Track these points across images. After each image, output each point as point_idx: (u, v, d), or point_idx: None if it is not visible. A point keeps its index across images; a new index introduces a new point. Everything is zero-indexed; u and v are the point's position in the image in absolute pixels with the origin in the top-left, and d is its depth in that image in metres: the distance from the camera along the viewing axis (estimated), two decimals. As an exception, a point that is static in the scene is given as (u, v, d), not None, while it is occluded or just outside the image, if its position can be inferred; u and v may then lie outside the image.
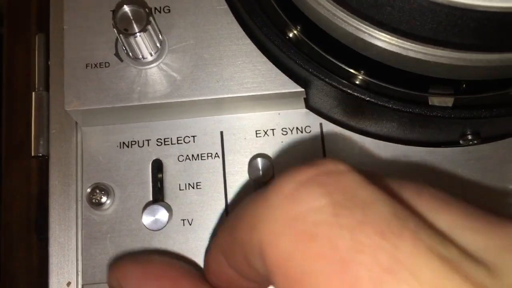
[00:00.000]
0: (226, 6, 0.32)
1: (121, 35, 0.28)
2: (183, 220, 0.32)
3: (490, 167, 0.32)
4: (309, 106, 0.33)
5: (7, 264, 0.35)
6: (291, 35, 0.32)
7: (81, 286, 0.31)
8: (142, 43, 0.29)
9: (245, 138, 0.33)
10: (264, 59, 0.32)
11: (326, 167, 0.18)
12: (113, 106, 0.31)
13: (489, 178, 0.32)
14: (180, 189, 0.32)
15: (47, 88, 0.34)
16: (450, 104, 0.30)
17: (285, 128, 0.33)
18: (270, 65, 0.31)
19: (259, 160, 0.29)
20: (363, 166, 0.32)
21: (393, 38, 0.26)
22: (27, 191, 0.36)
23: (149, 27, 0.28)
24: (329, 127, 0.33)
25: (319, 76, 0.29)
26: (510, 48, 0.25)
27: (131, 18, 0.28)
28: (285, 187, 0.18)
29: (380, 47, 0.27)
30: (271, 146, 0.33)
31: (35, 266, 0.34)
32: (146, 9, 0.28)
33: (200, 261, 0.31)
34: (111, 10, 0.32)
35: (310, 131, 0.33)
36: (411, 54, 0.27)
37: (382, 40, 0.26)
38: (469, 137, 0.31)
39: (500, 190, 0.32)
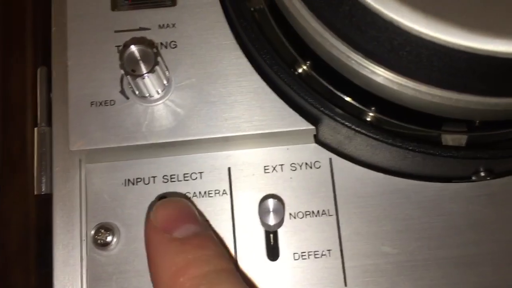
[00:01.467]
0: (234, 41, 0.31)
1: (128, 76, 0.27)
2: (191, 260, 0.31)
3: (502, 202, 0.32)
4: (318, 141, 0.33)
5: None
6: (300, 70, 0.31)
7: (86, 329, 0.30)
8: (150, 83, 0.28)
9: (253, 174, 0.33)
10: (274, 96, 0.31)
11: None
12: (119, 145, 0.30)
13: (502, 213, 0.32)
14: (187, 228, 0.32)
15: (49, 123, 0.33)
16: (463, 143, 0.30)
17: (294, 164, 0.33)
18: (279, 102, 0.31)
19: (270, 202, 0.29)
20: (373, 201, 0.32)
21: (401, 78, 0.26)
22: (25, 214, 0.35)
23: (157, 67, 0.27)
24: (339, 162, 0.33)
25: (330, 115, 0.29)
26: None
27: (139, 58, 0.27)
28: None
29: (393, 90, 0.26)
30: (280, 183, 0.32)
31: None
32: (154, 49, 0.27)
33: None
34: (116, 46, 0.31)
35: (320, 166, 0.33)
36: (424, 96, 0.26)
37: (397, 83, 0.26)
38: (482, 174, 0.31)
39: (512, 226, 0.32)
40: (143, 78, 0.27)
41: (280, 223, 0.30)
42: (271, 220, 0.29)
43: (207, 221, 0.30)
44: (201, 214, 0.30)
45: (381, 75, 0.26)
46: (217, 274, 0.24)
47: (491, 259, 0.31)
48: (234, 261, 0.31)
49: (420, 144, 0.28)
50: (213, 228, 0.31)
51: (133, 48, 0.27)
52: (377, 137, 0.28)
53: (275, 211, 0.29)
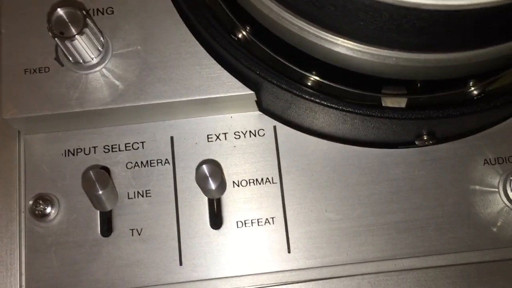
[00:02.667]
0: (172, 7, 0.31)
1: (57, 39, 0.26)
2: (132, 229, 0.31)
3: (447, 168, 0.32)
4: (262, 108, 0.32)
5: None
6: (240, 36, 0.31)
7: (24, 302, 0.30)
8: (81, 46, 0.27)
9: (196, 143, 0.32)
10: (213, 61, 0.30)
11: None
12: (53, 113, 0.29)
13: (446, 179, 0.32)
14: (129, 198, 0.31)
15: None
16: (403, 105, 0.29)
17: (238, 132, 0.32)
18: (218, 67, 0.30)
19: (205, 167, 0.28)
20: (318, 168, 0.32)
21: (339, 39, 0.25)
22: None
23: (87, 29, 0.27)
24: (283, 129, 0.32)
25: (267, 78, 0.28)
26: (458, 48, 0.24)
27: (67, 20, 0.26)
28: None
29: (326, 48, 0.26)
30: (224, 151, 0.32)
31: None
32: (83, 11, 0.27)
33: (149, 272, 0.30)
34: (50, 12, 0.30)
35: (264, 134, 0.32)
36: (358, 55, 0.26)
37: (328, 41, 0.25)
38: (425, 137, 0.30)
39: (459, 189, 0.31)
40: (73, 41, 0.26)
41: (220, 189, 0.29)
42: (210, 185, 0.28)
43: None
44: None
45: (316, 35, 0.26)
46: None
47: (436, 223, 0.31)
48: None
49: (357, 105, 0.28)
50: (157, 198, 0.31)
51: (60, 11, 0.26)
52: (315, 100, 0.28)
53: (212, 175, 0.28)
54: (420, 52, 0.25)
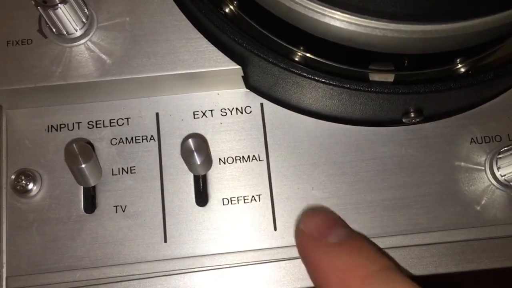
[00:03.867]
0: (158, -20, 0.30)
1: (39, 7, 0.26)
2: (116, 206, 0.30)
3: (433, 146, 0.32)
4: (249, 85, 0.32)
5: None
6: (227, 10, 0.30)
7: (5, 278, 0.29)
8: (64, 16, 0.27)
9: (182, 120, 0.32)
10: (199, 35, 0.30)
11: None
12: (35, 85, 0.29)
13: (432, 157, 0.31)
14: (113, 174, 0.31)
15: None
16: (390, 80, 0.29)
17: (224, 109, 0.32)
18: (204, 41, 0.30)
19: (191, 141, 0.28)
20: (305, 146, 0.32)
21: (326, 9, 0.25)
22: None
23: (71, -1, 0.26)
24: (270, 107, 0.32)
25: (253, 51, 0.28)
26: (444, 19, 0.24)
27: (50, -11, 0.26)
28: None
29: (313, 19, 0.26)
30: (210, 128, 0.32)
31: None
32: (66, -20, 0.26)
33: (133, 249, 0.30)
34: (34, -17, 0.30)
35: (251, 111, 0.32)
36: (345, 26, 0.26)
37: (315, 11, 0.25)
38: (412, 114, 0.30)
39: (445, 168, 0.31)
40: (55, 9, 0.26)
41: (206, 164, 0.29)
42: (195, 159, 0.28)
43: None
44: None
45: (303, 5, 0.26)
46: (386, 272, 0.24)
47: (422, 201, 0.31)
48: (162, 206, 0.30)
49: (344, 79, 0.28)
50: (141, 175, 0.31)
51: (42, -22, 0.26)
52: (302, 73, 0.28)
53: (198, 149, 0.28)
54: (407, 22, 0.25)
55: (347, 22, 0.26)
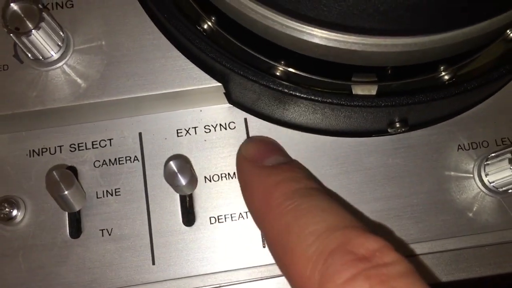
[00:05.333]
0: (135, -1, 0.30)
1: (12, 34, 0.25)
2: (102, 230, 0.30)
3: (420, 155, 0.31)
4: (232, 101, 0.31)
5: None
6: (205, 26, 0.30)
7: (-8, 309, 0.29)
8: (39, 42, 0.26)
9: (165, 139, 0.31)
10: (178, 53, 0.30)
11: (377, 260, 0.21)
12: (13, 112, 0.28)
13: (420, 166, 0.31)
14: (97, 197, 0.30)
15: None
16: (374, 92, 0.29)
17: (208, 125, 0.32)
18: (184, 60, 0.29)
19: (173, 163, 0.27)
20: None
21: (304, 27, 0.25)
22: None
23: (44, 24, 0.26)
24: (254, 121, 0.32)
25: (233, 69, 0.27)
26: (423, 32, 0.24)
27: (22, 15, 0.25)
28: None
29: (291, 37, 0.25)
30: (194, 146, 0.31)
31: None
32: (39, 5, 0.26)
33: (121, 273, 0.29)
34: (8, 8, 0.29)
35: (235, 126, 0.32)
36: (324, 42, 0.25)
37: (293, 28, 0.25)
38: (397, 124, 0.30)
39: (434, 176, 0.31)
40: (29, 36, 0.25)
41: (191, 184, 0.29)
42: (179, 181, 0.28)
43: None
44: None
45: (280, 23, 0.25)
46: (308, 190, 0.25)
47: (411, 211, 0.31)
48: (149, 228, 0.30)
49: (326, 94, 0.27)
50: (126, 196, 0.30)
51: (14, 6, 0.25)
52: (283, 89, 0.27)
53: (181, 170, 0.28)
54: (386, 36, 0.25)
55: (325, 38, 0.25)
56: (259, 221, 0.25)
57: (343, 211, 0.24)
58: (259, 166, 0.27)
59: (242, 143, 0.30)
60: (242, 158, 0.28)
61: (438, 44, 0.25)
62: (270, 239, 0.24)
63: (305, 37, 0.26)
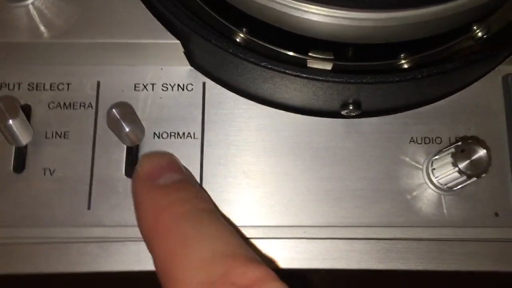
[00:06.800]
0: None
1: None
2: (45, 169, 0.30)
3: (372, 142, 0.31)
4: (193, 63, 0.32)
5: None
6: (173, -15, 0.30)
7: None
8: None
9: (122, 91, 0.32)
10: (143, 7, 0.30)
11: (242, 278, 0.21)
12: (-28, 39, 0.29)
13: (370, 153, 0.31)
14: (46, 137, 0.31)
15: None
16: (328, 68, 0.29)
17: (166, 84, 0.32)
18: (149, 15, 0.30)
19: (115, 111, 0.28)
20: (242, 128, 0.31)
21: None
22: None
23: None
24: (212, 86, 0.32)
25: (191, 26, 0.28)
26: (384, 6, 0.24)
27: None
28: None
29: (252, 1, 0.26)
30: (149, 101, 0.31)
31: None
32: None
33: (57, 213, 0.30)
34: None
35: (192, 89, 0.32)
36: (282, 9, 0.26)
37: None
38: (350, 106, 0.30)
39: (381, 164, 0.31)
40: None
41: (133, 133, 0.29)
42: (123, 128, 0.28)
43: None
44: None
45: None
46: (198, 211, 0.25)
47: (353, 195, 0.30)
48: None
49: (279, 63, 0.27)
50: (74, 140, 0.31)
51: None
52: (238, 53, 0.27)
53: (123, 117, 0.28)
54: (344, 8, 0.25)
55: (286, 5, 0.26)
56: (147, 243, 0.25)
57: (230, 236, 0.23)
58: (152, 186, 0.26)
59: (139, 160, 0.29)
60: (136, 177, 0.27)
61: (395, 23, 0.25)
62: (156, 265, 0.24)
63: (263, 2, 0.26)
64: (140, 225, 0.25)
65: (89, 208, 0.30)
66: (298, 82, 0.28)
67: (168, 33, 0.30)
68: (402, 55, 0.29)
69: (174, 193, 0.25)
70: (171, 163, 0.28)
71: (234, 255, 0.22)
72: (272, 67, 0.27)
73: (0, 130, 0.28)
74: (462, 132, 0.32)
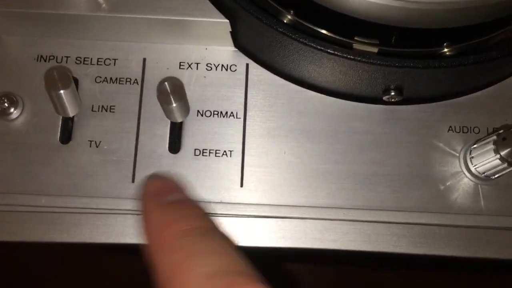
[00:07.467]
0: None
1: None
2: (91, 141, 0.31)
3: (410, 129, 0.32)
4: (238, 45, 0.32)
5: None
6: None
7: (-27, 194, 0.30)
8: None
9: (167, 68, 0.32)
10: (194, -14, 0.31)
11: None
12: (27, 11, 0.29)
13: (408, 140, 0.32)
14: (92, 110, 0.31)
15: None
16: (374, 51, 0.29)
17: (210, 64, 0.32)
18: (198, -8, 0.31)
19: (167, 84, 0.28)
20: (283, 110, 0.32)
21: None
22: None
23: None
24: (256, 68, 0.32)
25: (240, 3, 0.28)
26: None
27: None
28: None
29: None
30: (193, 80, 0.32)
31: None
32: None
33: (100, 184, 0.30)
34: None
35: (236, 70, 0.32)
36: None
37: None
38: (392, 92, 0.30)
39: (419, 151, 0.31)
40: None
41: (181, 110, 0.30)
42: (171, 102, 0.29)
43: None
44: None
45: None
46: (201, 230, 0.25)
47: (391, 180, 0.31)
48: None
49: (327, 43, 0.28)
50: (120, 115, 0.31)
51: None
52: (286, 32, 0.28)
53: (173, 91, 0.28)
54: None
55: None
56: (151, 257, 0.25)
57: (235, 255, 0.24)
58: (157, 203, 0.27)
59: (146, 181, 0.30)
60: (143, 193, 0.28)
61: (442, 7, 0.25)
62: (158, 278, 0.24)
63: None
64: (145, 237, 0.26)
65: (133, 181, 0.30)
66: (345, 64, 0.29)
67: (215, 11, 0.30)
68: (445, 43, 0.30)
69: (179, 210, 0.26)
70: (176, 184, 0.29)
71: (238, 273, 0.23)
72: (322, 48, 0.28)
73: (51, 98, 0.29)
74: (500, 123, 0.32)
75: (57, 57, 0.32)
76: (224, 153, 0.31)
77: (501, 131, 0.29)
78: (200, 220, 0.26)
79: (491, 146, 0.29)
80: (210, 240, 0.24)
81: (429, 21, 0.27)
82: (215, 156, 0.31)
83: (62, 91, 0.28)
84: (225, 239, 0.25)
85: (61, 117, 0.31)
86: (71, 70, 0.31)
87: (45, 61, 0.32)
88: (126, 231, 0.30)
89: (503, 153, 0.28)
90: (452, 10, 0.26)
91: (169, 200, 0.27)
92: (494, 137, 0.29)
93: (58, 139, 0.31)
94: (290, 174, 0.31)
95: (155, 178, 0.30)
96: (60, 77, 0.28)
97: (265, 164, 0.31)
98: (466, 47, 0.30)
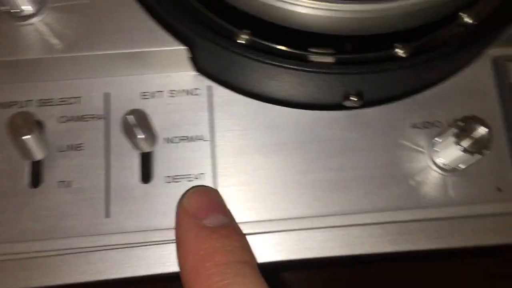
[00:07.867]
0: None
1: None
2: (61, 182, 0.31)
3: (375, 130, 0.32)
4: (199, 69, 0.33)
5: None
6: (172, -8, 0.31)
7: None
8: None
9: (131, 100, 0.32)
10: (145, 16, 0.31)
11: None
12: (-16, 60, 0.29)
13: (374, 141, 0.32)
14: (60, 151, 0.31)
15: None
16: (330, 61, 0.30)
17: (173, 90, 0.33)
18: (151, 23, 0.31)
19: (131, 117, 0.28)
20: (250, 127, 0.32)
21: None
22: None
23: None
24: (218, 89, 0.33)
25: (196, 31, 0.29)
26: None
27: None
28: None
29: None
30: (158, 109, 0.32)
31: None
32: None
33: (76, 223, 0.30)
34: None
35: (199, 93, 0.33)
36: (281, 5, 0.27)
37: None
38: (352, 98, 0.31)
39: (386, 151, 0.32)
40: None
41: (149, 139, 0.30)
42: (137, 134, 0.29)
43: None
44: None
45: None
46: (242, 265, 0.25)
47: (362, 183, 0.32)
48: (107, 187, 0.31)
49: (284, 59, 0.28)
50: (88, 152, 0.31)
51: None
52: (235, 50, 0.29)
53: (138, 123, 0.29)
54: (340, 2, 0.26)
55: (284, 1, 0.27)
56: (186, 285, 0.25)
57: None
58: (199, 226, 0.26)
59: (185, 192, 0.29)
60: (182, 211, 0.27)
61: (392, 12, 0.26)
62: None
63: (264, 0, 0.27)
64: (182, 263, 0.26)
65: (107, 216, 0.30)
66: (304, 77, 0.29)
67: (172, 40, 0.31)
68: (398, 45, 0.31)
69: (220, 239, 0.26)
70: (219, 203, 0.28)
71: None
72: (279, 64, 0.29)
73: (17, 144, 0.29)
74: (460, 114, 0.33)
75: (18, 102, 0.32)
76: (196, 177, 0.31)
77: (461, 122, 0.30)
78: (239, 252, 0.25)
79: (453, 139, 0.29)
80: (248, 277, 0.24)
81: (379, 27, 0.28)
82: (187, 181, 0.31)
83: (26, 137, 0.28)
84: (261, 279, 0.25)
85: (29, 162, 0.31)
86: (34, 114, 0.31)
87: (7, 107, 0.32)
88: (106, 266, 0.30)
89: (464, 144, 0.29)
90: (400, 14, 0.27)
91: (210, 223, 0.26)
92: (455, 129, 0.30)
93: (28, 184, 0.31)
94: (263, 190, 0.31)
95: (196, 193, 0.28)
96: (24, 122, 0.28)
97: (237, 183, 0.31)
98: (419, 46, 0.31)
